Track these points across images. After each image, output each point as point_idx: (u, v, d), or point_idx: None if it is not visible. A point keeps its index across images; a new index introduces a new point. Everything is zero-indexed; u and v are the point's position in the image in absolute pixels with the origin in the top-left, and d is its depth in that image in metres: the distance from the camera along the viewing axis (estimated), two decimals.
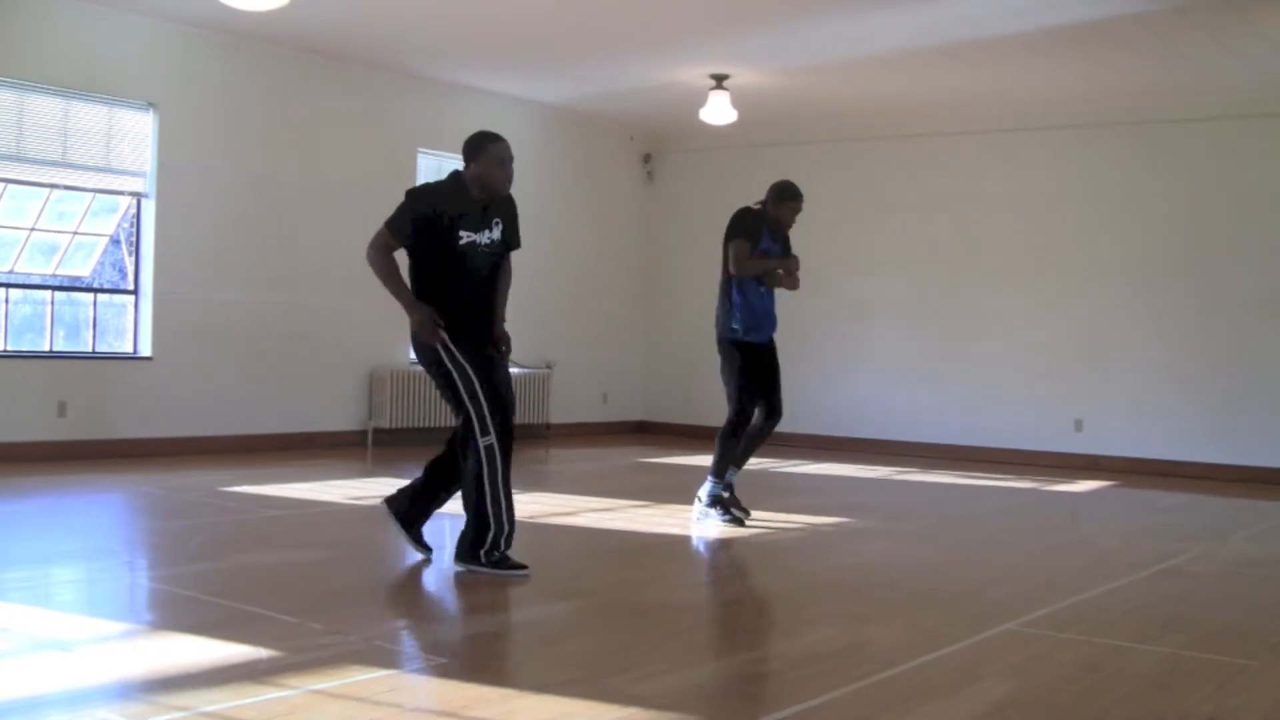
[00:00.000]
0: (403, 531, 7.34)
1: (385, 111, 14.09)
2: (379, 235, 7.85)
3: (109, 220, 13.01)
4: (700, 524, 8.96)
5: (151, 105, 12.19)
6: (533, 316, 15.81)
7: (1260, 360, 13.59)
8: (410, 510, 7.41)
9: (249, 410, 12.91)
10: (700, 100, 13.88)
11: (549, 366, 15.89)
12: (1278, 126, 13.58)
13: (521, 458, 13.64)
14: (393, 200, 13.60)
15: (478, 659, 5.30)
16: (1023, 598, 7.22)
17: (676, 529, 8.87)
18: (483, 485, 7.09)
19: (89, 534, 8.43)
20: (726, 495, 9.15)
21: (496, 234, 7.63)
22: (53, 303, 12.18)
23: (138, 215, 12.35)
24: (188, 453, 12.27)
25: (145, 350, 12.26)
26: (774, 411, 9.23)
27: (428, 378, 14.04)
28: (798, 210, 9.29)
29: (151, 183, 12.22)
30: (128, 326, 12.35)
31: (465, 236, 7.44)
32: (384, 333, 14.06)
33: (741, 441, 9.12)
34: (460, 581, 7.02)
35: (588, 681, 4.80)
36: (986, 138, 15.07)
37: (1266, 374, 13.55)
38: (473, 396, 7.18)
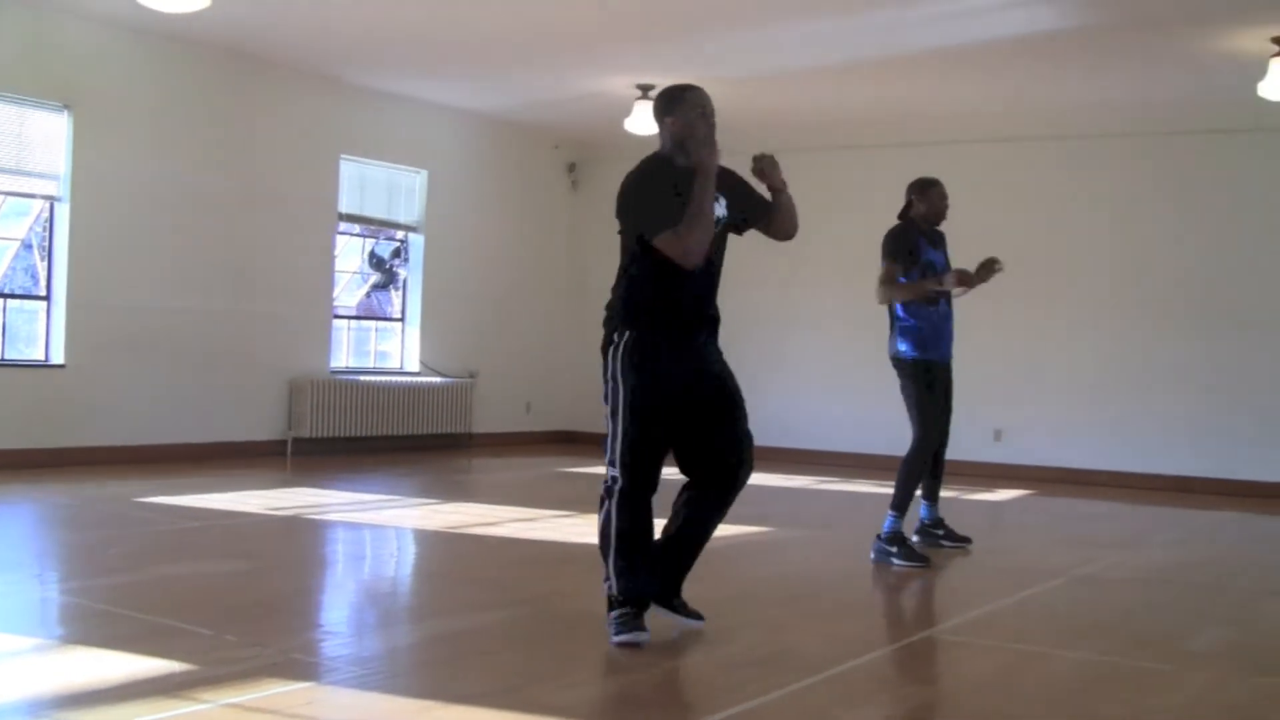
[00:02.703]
0: (671, 614, 5.94)
1: (308, 117, 13.98)
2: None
3: (20, 224, 12.79)
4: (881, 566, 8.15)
5: (66, 106, 11.99)
6: (456, 325, 15.76)
7: (1176, 371, 13.74)
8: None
9: (166, 419, 12.74)
10: (626, 110, 13.86)
11: (472, 376, 15.81)
12: (1200, 143, 13.74)
13: (443, 467, 13.67)
14: (316, 208, 13.53)
15: (397, 671, 5.24)
16: (942, 605, 7.25)
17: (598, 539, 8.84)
18: None
19: None
20: (938, 528, 8.93)
21: (721, 209, 5.91)
22: None
23: (50, 219, 12.14)
24: (102, 463, 12.07)
25: (58, 358, 12.05)
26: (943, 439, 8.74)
27: (348, 387, 14.03)
28: (944, 195, 8.84)
29: (65, 186, 12.01)
30: (39, 333, 12.14)
31: None
32: (304, 341, 13.97)
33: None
34: (379, 593, 6.96)
35: (509, 692, 4.76)
36: (912, 150, 15.11)
37: (1181, 385, 13.70)
38: None
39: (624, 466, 5.62)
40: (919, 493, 8.74)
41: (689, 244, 5.54)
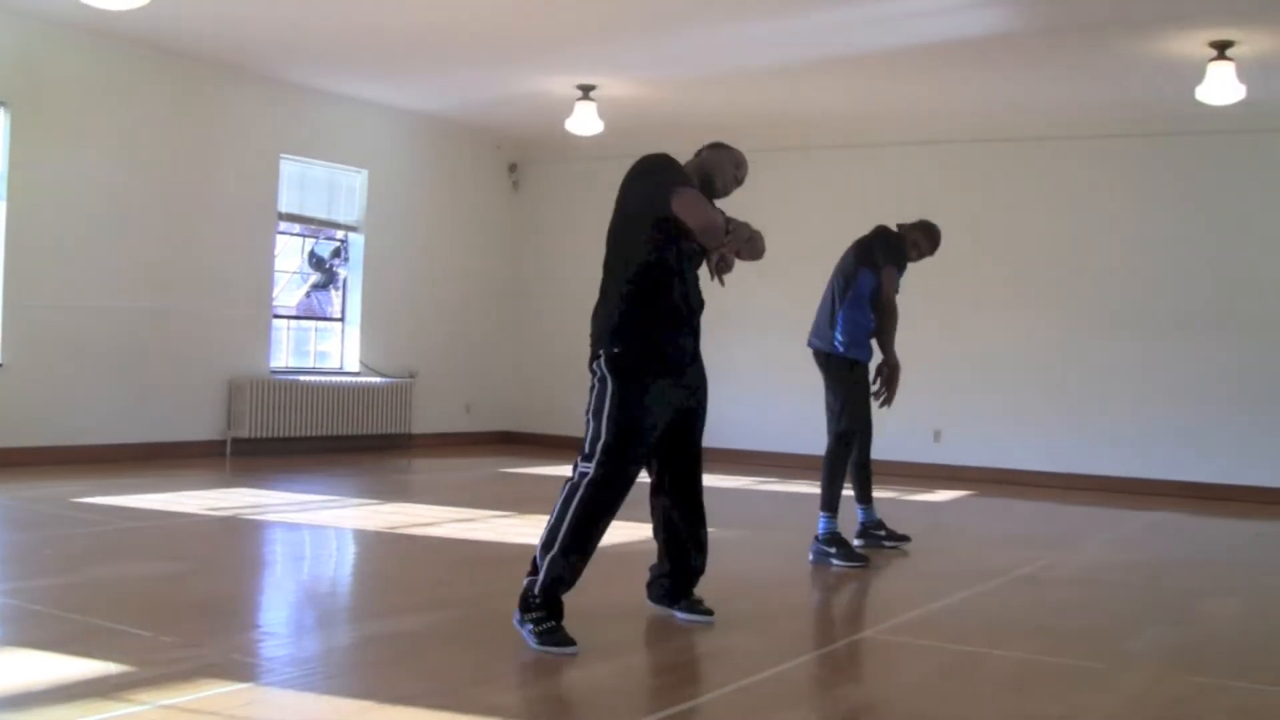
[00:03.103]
0: (681, 613, 6.24)
1: (247, 116, 13.90)
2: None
3: None
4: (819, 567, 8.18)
5: (3, 105, 11.87)
6: (396, 325, 15.72)
7: (1115, 373, 13.87)
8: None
9: (104, 419, 12.65)
10: (566, 110, 13.86)
11: (412, 376, 15.78)
12: (1140, 147, 13.87)
13: (382, 468, 13.64)
14: (256, 207, 13.48)
15: (336, 671, 5.22)
16: (881, 605, 7.28)
17: (538, 539, 8.84)
18: None
19: None
20: (878, 529, 8.97)
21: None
22: None
23: None
24: (39, 463, 11.97)
25: None
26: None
27: (287, 387, 13.96)
28: (926, 255, 9.15)
29: (3, 185, 11.88)
30: None
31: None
32: (244, 341, 13.91)
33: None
34: (318, 594, 6.94)
35: (448, 693, 4.76)
36: (851, 151, 15.21)
37: (1121, 386, 13.84)
38: None
39: (600, 465, 5.63)
40: (853, 496, 8.81)
41: (710, 210, 5.73)
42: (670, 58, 12.41)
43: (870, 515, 8.99)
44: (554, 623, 5.49)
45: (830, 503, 8.29)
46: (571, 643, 5.41)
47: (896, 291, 8.60)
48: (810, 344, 8.71)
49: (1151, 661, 5.79)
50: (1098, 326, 13.99)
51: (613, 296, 5.84)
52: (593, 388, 5.78)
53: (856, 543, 8.70)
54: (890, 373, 8.54)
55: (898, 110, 14.29)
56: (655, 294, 5.83)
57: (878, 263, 8.63)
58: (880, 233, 8.91)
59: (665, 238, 5.81)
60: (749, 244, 5.68)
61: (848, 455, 8.51)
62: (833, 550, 8.17)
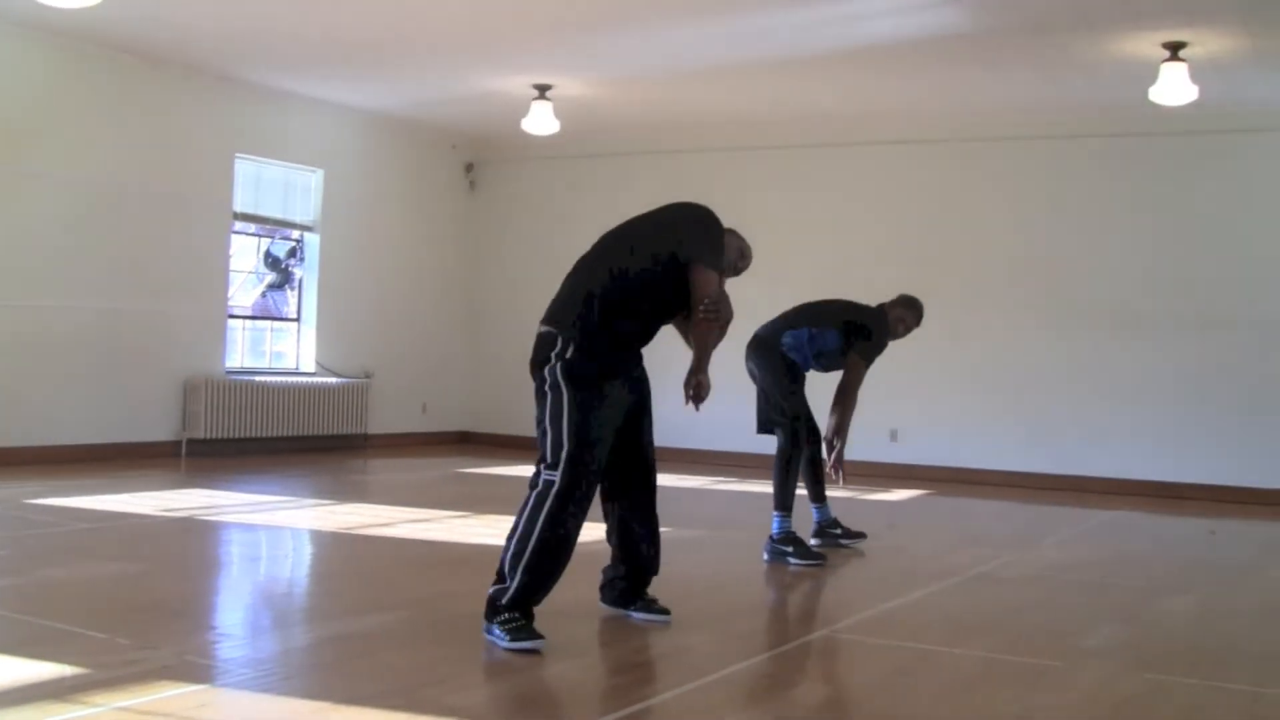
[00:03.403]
0: (638, 613, 6.26)
1: (203, 115, 13.83)
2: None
3: None
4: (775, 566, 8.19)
5: None
6: (352, 325, 15.68)
7: (1069, 372, 13.96)
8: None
9: (58, 420, 12.56)
10: (523, 110, 13.85)
11: (368, 376, 15.75)
12: (1095, 146, 13.96)
13: (339, 468, 13.60)
14: (211, 207, 13.40)
15: (292, 672, 5.21)
16: (837, 604, 7.30)
17: (495, 539, 8.81)
18: None
19: None
20: (834, 528, 9.00)
21: None
22: None
23: None
24: None
25: None
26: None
27: (243, 387, 13.92)
28: (912, 328, 9.16)
29: None
30: None
31: None
32: (199, 341, 13.85)
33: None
34: (274, 595, 6.92)
35: (404, 693, 4.75)
36: (807, 151, 15.24)
37: (1075, 385, 13.92)
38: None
39: (565, 474, 5.56)
40: (806, 496, 8.85)
41: (720, 292, 6.01)
42: (627, 58, 12.42)
43: (825, 514, 9.02)
44: (522, 620, 5.48)
45: (784, 502, 8.29)
46: (540, 635, 5.43)
47: (860, 383, 8.74)
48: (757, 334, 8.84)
49: (1106, 659, 5.82)
50: (1053, 326, 14.07)
51: (580, 299, 5.79)
52: (543, 393, 5.72)
53: (813, 542, 8.73)
54: (840, 448, 8.69)
55: (852, 111, 14.33)
56: (627, 315, 5.85)
57: (857, 349, 8.75)
58: (873, 318, 8.96)
59: (667, 278, 5.89)
60: (719, 327, 6.06)
61: (800, 454, 8.53)
62: (789, 549, 8.17)
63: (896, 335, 9.04)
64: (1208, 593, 7.96)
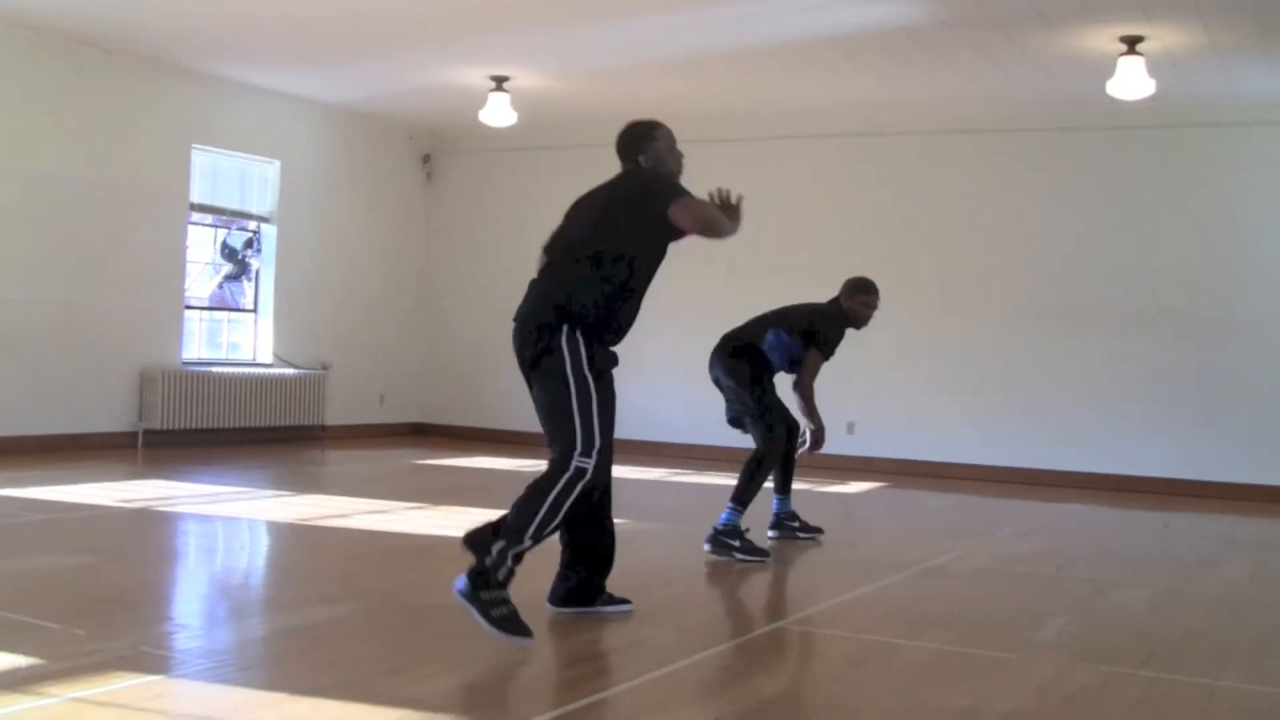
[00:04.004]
0: (608, 607, 6.24)
1: (158, 107, 13.75)
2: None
3: None
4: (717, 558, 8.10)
5: None
6: (309, 317, 15.64)
7: (1025, 365, 14.03)
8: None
9: (12, 411, 12.45)
10: (480, 101, 13.82)
11: (324, 367, 15.71)
12: (1052, 140, 14.03)
13: (296, 459, 13.57)
14: (168, 198, 13.31)
15: (248, 663, 5.20)
16: (793, 596, 7.33)
17: (451, 531, 8.80)
18: None
19: None
20: (793, 520, 8.98)
21: None
22: None
23: None
24: None
25: None
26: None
27: (200, 378, 13.85)
28: (874, 306, 9.01)
29: None
30: None
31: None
32: (155, 332, 13.79)
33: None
34: (230, 586, 6.91)
35: (360, 684, 4.76)
36: (764, 144, 15.25)
37: (1028, 378, 14.01)
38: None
39: (597, 464, 5.56)
40: (771, 486, 8.84)
41: (716, 214, 5.83)
42: (584, 49, 12.41)
43: (785, 506, 9.02)
44: (511, 607, 5.34)
45: (743, 498, 8.22)
46: (529, 633, 5.35)
47: (814, 377, 8.72)
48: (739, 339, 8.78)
49: (1059, 652, 5.86)
50: (1010, 319, 14.14)
51: (582, 287, 5.75)
52: (563, 384, 5.63)
53: (770, 534, 8.76)
54: (818, 433, 8.77)
55: (807, 104, 14.34)
56: (626, 299, 5.86)
57: (817, 346, 8.75)
58: (833, 321, 8.93)
59: (656, 250, 5.92)
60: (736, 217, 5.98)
61: (775, 460, 8.49)
62: (735, 543, 8.09)
63: (865, 322, 9.05)
64: (1162, 586, 8.01)
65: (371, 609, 6.23)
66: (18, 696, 4.39)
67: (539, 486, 5.54)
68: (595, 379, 5.64)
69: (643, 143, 6.23)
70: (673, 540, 9.16)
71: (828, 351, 8.78)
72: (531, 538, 5.46)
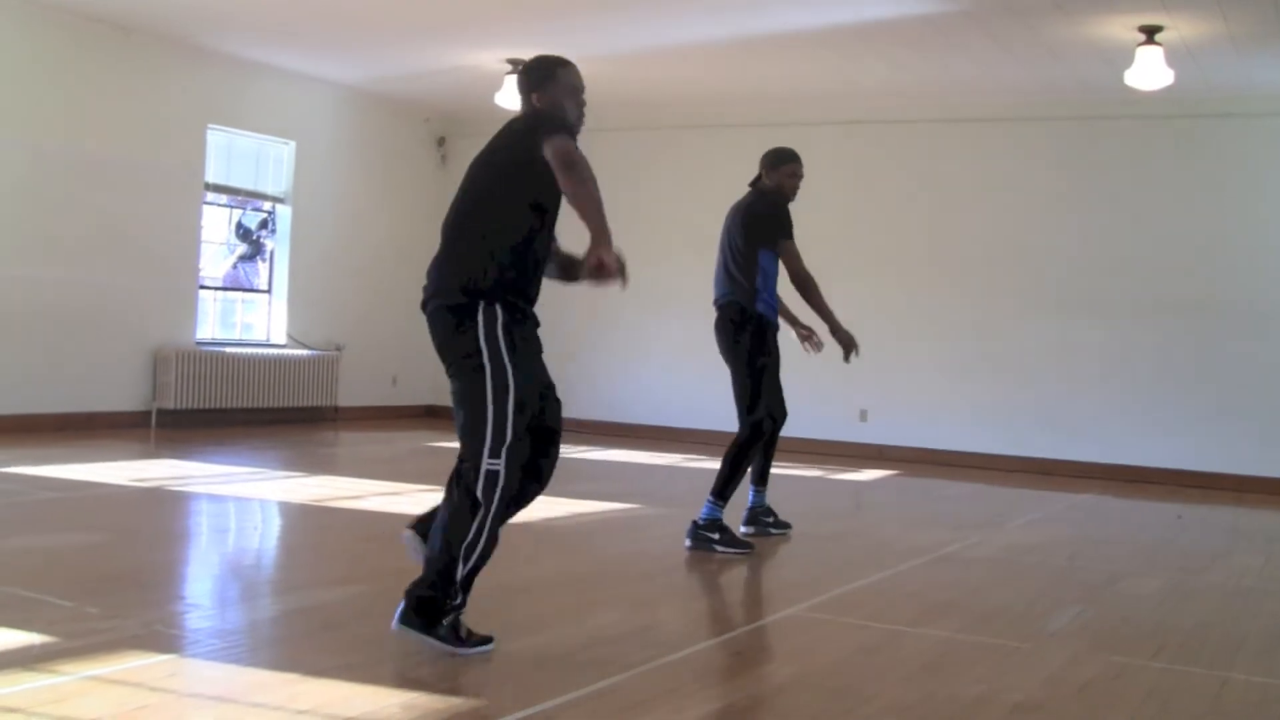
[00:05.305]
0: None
1: (174, 86, 13.76)
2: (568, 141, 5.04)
3: None
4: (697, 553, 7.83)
5: None
6: (322, 298, 15.65)
7: (1040, 354, 14.00)
8: None
9: (28, 389, 12.50)
10: (496, 84, 13.81)
11: (338, 349, 15.72)
12: (1069, 129, 14.00)
13: (308, 440, 13.58)
14: (183, 177, 13.29)
15: (260, 644, 5.22)
16: (806, 583, 7.31)
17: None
18: None
19: None
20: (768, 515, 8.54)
21: None
22: None
23: None
24: None
25: None
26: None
27: (213, 359, 13.86)
28: (799, 174, 8.27)
29: None
30: None
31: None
32: (170, 312, 13.81)
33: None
34: (242, 566, 6.92)
35: (370, 666, 4.76)
36: (780, 130, 15.16)
37: (1046, 367, 13.97)
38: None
39: (507, 463, 4.96)
40: (749, 478, 8.45)
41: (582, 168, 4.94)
42: (600, 33, 12.38)
43: (761, 500, 8.59)
44: (460, 623, 5.04)
45: (723, 491, 7.91)
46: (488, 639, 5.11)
47: (801, 261, 8.17)
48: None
49: (1071, 641, 5.85)
50: (1025, 308, 14.11)
51: (483, 255, 5.18)
52: (477, 370, 5.05)
53: (744, 529, 8.38)
54: (845, 338, 8.38)
55: (825, 90, 14.32)
56: (529, 253, 5.24)
57: (776, 238, 8.19)
58: (764, 203, 8.30)
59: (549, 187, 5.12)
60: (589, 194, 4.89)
61: (756, 450, 8.14)
62: (715, 536, 7.82)
63: (793, 194, 8.36)
64: (1174, 577, 8.00)
65: (383, 590, 6.21)
66: (31, 674, 4.40)
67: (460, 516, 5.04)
68: (514, 358, 5.03)
69: (541, 81, 5.52)
70: (682, 526, 9.12)
71: (787, 228, 8.17)
72: (464, 569, 4.99)
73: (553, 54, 5.63)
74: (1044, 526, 10.11)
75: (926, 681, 5.05)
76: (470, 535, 4.95)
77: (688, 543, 7.90)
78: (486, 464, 4.93)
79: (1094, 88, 12.98)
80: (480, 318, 5.05)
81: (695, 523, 7.93)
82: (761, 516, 8.59)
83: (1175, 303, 13.47)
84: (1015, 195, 14.25)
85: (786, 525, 8.71)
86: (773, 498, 8.55)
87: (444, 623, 4.98)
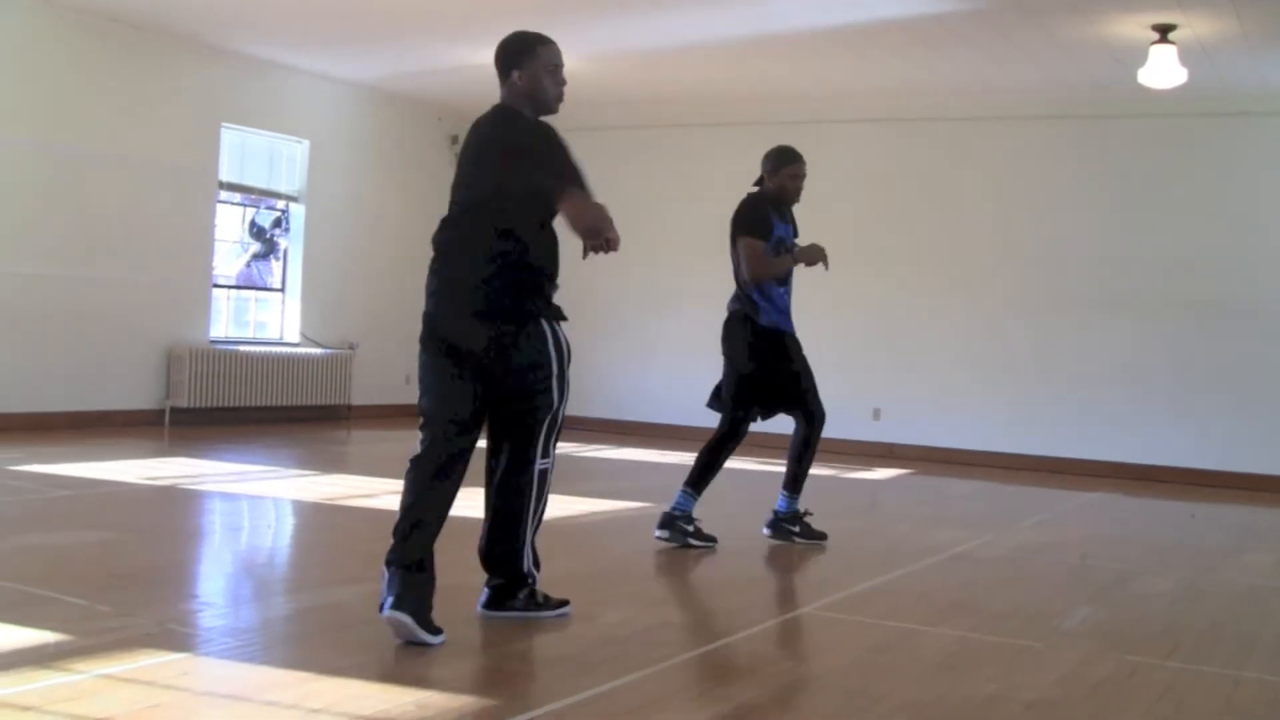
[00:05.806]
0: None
1: (188, 84, 13.77)
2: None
3: None
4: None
5: None
6: (336, 297, 15.66)
7: (1052, 353, 14.01)
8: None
9: (41, 387, 12.54)
10: None
11: (352, 348, 15.73)
12: (1082, 128, 14.00)
13: (321, 439, 13.59)
14: (197, 176, 13.30)
15: (273, 642, 5.22)
16: (818, 582, 7.31)
17: (473, 512, 8.81)
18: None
19: None
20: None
21: None
22: None
23: None
24: None
25: None
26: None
27: (227, 357, 13.88)
28: (801, 175, 8.25)
29: None
30: None
31: None
32: (183, 310, 13.83)
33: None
34: (255, 564, 6.93)
35: (383, 664, 4.77)
36: (793, 129, 15.15)
37: (1058, 366, 13.97)
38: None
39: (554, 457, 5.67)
40: (686, 476, 8.22)
41: (597, 208, 5.18)
42: (614, 32, 12.39)
43: (689, 503, 8.08)
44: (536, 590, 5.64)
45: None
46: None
47: (762, 262, 8.14)
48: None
49: (1084, 640, 5.84)
50: (1037, 307, 14.11)
51: (515, 283, 5.74)
52: (545, 391, 5.56)
53: (659, 532, 7.94)
54: (809, 254, 8.20)
55: (838, 88, 14.31)
56: (547, 261, 5.79)
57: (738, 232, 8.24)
58: (745, 203, 8.39)
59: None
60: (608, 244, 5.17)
61: (733, 447, 8.17)
62: (796, 529, 8.08)
63: (796, 196, 8.41)
64: (1187, 576, 7.98)
65: None
66: (45, 672, 4.41)
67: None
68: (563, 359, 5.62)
69: (521, 57, 5.75)
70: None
71: (761, 231, 8.15)
72: (532, 543, 5.64)
73: (531, 30, 5.83)
74: (1056, 525, 10.10)
75: (939, 681, 5.05)
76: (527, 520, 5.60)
77: (656, 533, 7.86)
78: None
79: (1108, 87, 12.96)
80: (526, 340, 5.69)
81: (775, 512, 8.20)
82: (681, 523, 7.98)
83: (1187, 302, 13.46)
84: (1028, 194, 14.24)
85: (711, 540, 8.00)
86: (666, 500, 8.33)
87: (519, 595, 5.54)
